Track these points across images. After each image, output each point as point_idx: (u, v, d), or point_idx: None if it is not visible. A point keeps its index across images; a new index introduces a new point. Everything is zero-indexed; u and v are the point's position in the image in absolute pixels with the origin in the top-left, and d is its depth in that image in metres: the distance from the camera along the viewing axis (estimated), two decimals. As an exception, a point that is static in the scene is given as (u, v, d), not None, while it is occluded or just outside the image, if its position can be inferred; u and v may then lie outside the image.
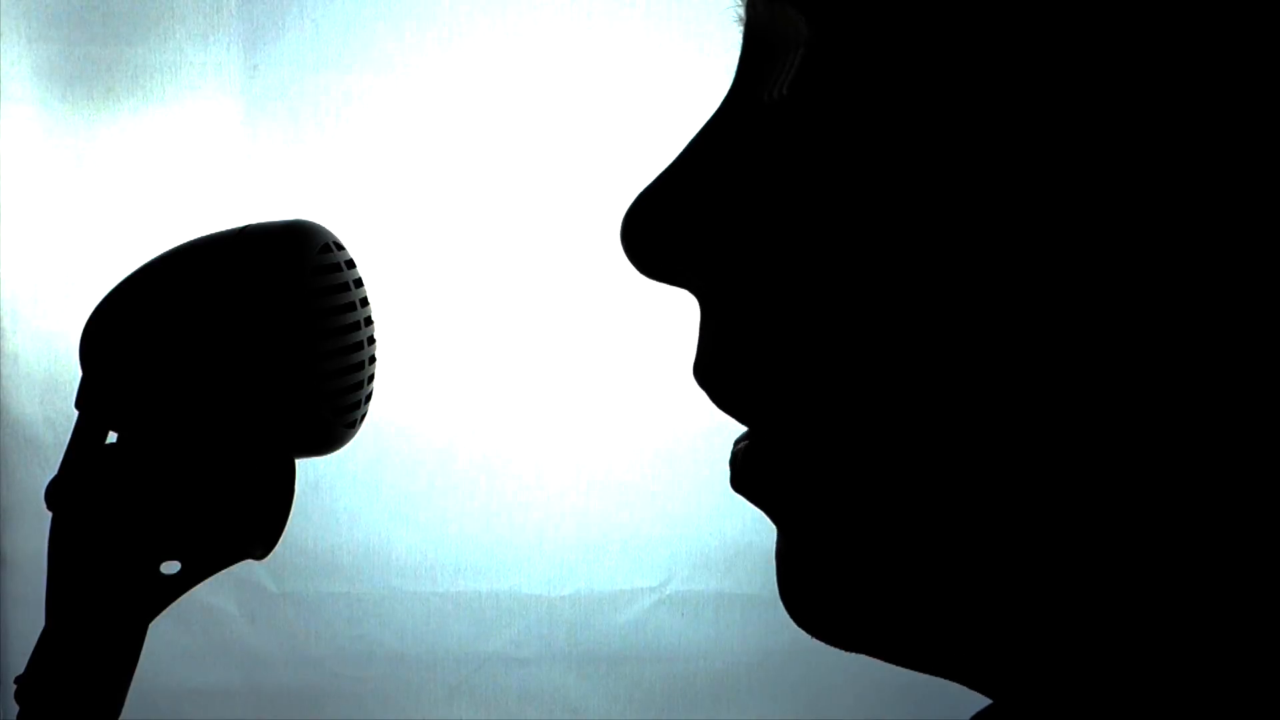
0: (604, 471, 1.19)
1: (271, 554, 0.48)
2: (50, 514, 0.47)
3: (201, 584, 0.48)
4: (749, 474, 0.24)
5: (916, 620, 0.22)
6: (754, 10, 0.25)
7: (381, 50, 1.13)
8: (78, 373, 0.47)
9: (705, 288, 0.24)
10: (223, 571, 0.48)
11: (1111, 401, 0.18)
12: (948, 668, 0.23)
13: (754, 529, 1.20)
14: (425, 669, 1.23)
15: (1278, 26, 0.17)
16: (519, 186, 1.14)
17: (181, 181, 1.14)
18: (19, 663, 0.47)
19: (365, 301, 0.48)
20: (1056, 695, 0.21)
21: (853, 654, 0.24)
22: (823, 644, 0.23)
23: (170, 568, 0.47)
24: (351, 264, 0.48)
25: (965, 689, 0.23)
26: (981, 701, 0.24)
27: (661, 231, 0.24)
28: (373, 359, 0.48)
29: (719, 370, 0.24)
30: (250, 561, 0.48)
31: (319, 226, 0.47)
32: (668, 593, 1.22)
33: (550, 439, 1.19)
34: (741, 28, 0.25)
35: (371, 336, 0.48)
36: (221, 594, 1.19)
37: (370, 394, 0.48)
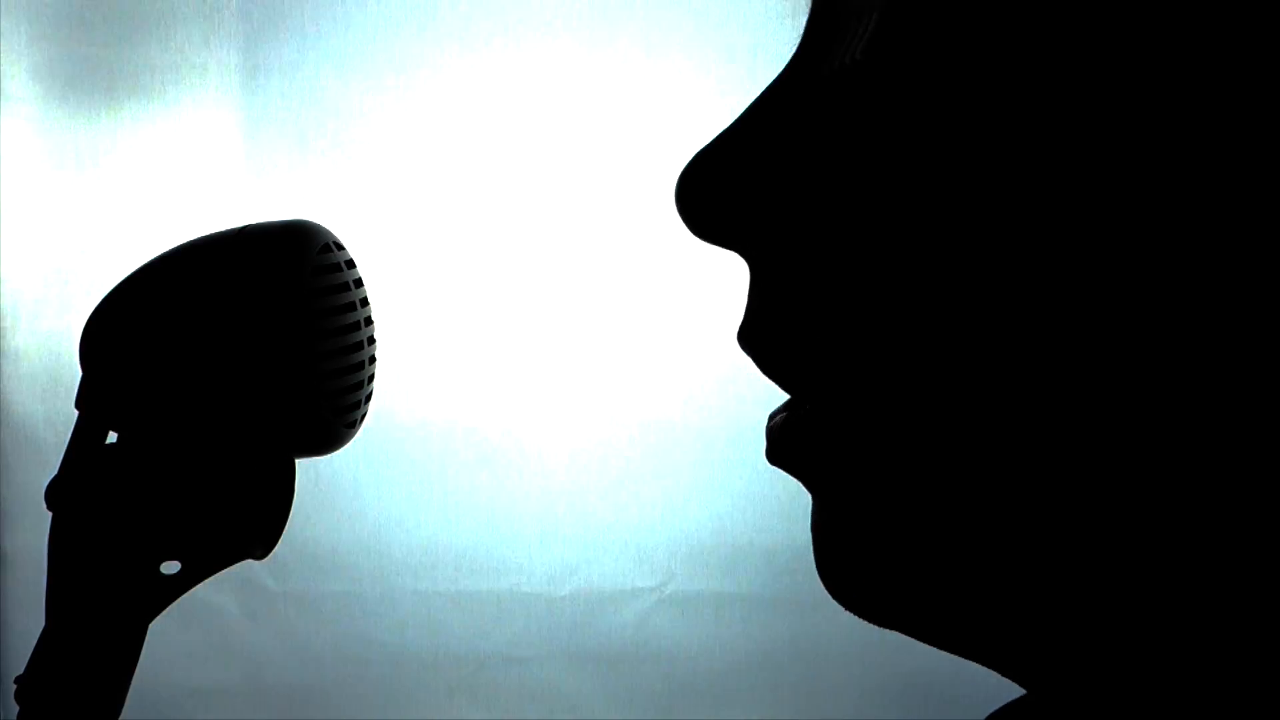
0: (604, 471, 1.19)
1: (271, 554, 0.48)
2: (50, 514, 0.47)
3: (201, 584, 0.48)
4: (786, 443, 0.24)
5: (947, 596, 0.22)
6: None
7: (381, 51, 1.13)
8: (78, 373, 0.47)
9: (757, 251, 0.24)
10: (223, 571, 0.48)
11: (1132, 387, 0.18)
12: (976, 650, 0.22)
13: (754, 529, 1.20)
14: (425, 669, 1.23)
15: None
16: (519, 186, 1.14)
17: (181, 181, 1.14)
18: (19, 663, 0.47)
19: (365, 301, 0.48)
20: (1085, 686, 0.21)
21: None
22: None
23: (170, 568, 0.47)
24: (351, 264, 0.48)
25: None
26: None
27: (718, 191, 0.23)
28: (373, 359, 0.48)
29: (765, 334, 0.23)
30: (250, 561, 0.48)
31: (319, 226, 0.47)
32: (668, 593, 1.22)
33: (550, 439, 1.19)
34: None
35: (371, 336, 0.48)
36: (222, 593, 1.19)
37: (370, 394, 0.48)
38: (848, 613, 0.24)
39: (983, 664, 0.23)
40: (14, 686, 0.47)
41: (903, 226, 0.20)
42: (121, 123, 1.14)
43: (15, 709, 0.46)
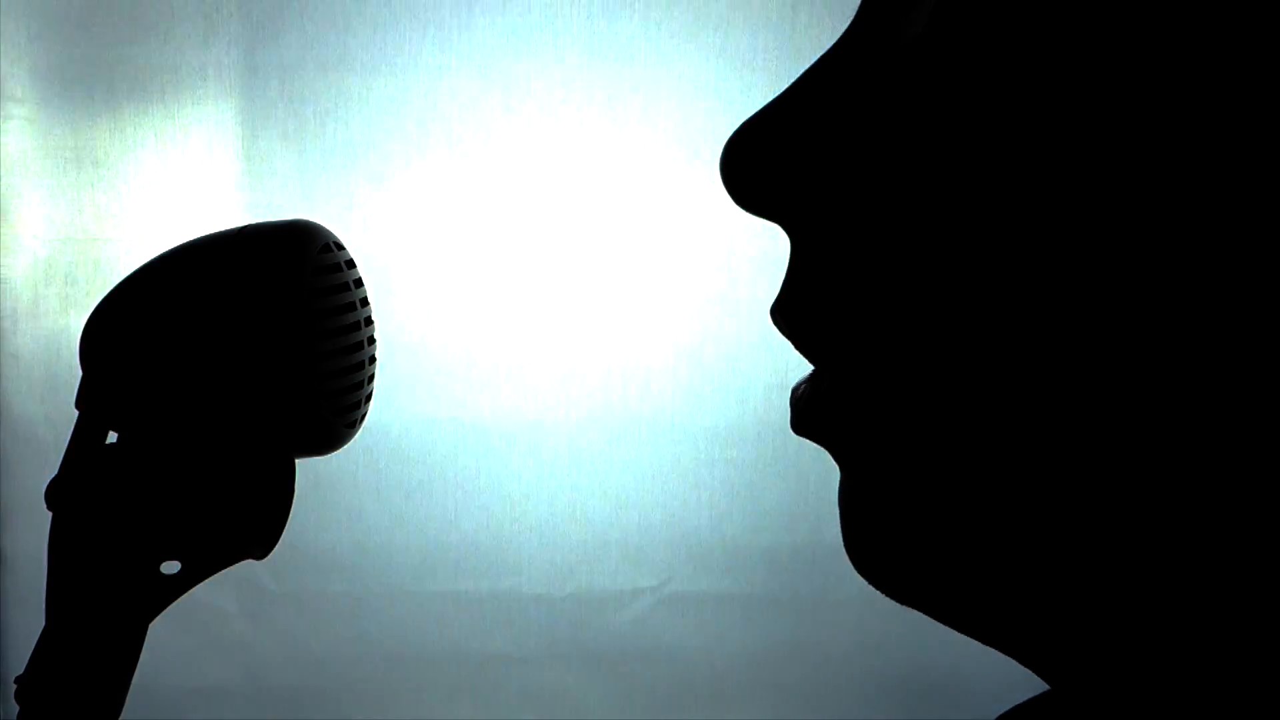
0: (604, 471, 1.19)
1: (271, 554, 0.48)
2: (50, 514, 0.47)
3: (201, 584, 0.48)
4: (813, 413, 0.23)
5: (968, 573, 0.21)
6: None
7: (381, 51, 1.13)
8: (78, 373, 0.47)
9: (802, 222, 0.23)
10: (223, 571, 0.48)
11: (1167, 367, 0.18)
12: (993, 634, 0.22)
13: (754, 529, 1.20)
14: (425, 669, 1.23)
15: None
16: (518, 186, 1.14)
17: (181, 181, 1.14)
18: (19, 663, 0.47)
19: (365, 301, 0.48)
20: (1102, 678, 0.21)
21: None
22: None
23: (170, 568, 0.47)
24: (351, 264, 0.48)
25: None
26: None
27: (767, 159, 0.23)
28: (373, 359, 0.48)
29: (802, 306, 0.23)
30: (250, 561, 0.48)
31: (319, 226, 0.47)
32: (668, 593, 1.22)
33: (550, 439, 1.19)
34: None
35: (371, 336, 0.48)
36: (221, 594, 1.19)
37: (370, 394, 0.48)
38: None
39: (999, 649, 0.22)
40: (14, 686, 0.47)
41: (954, 206, 0.20)
42: (121, 123, 1.14)
43: (15, 709, 0.46)
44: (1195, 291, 0.18)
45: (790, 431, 0.25)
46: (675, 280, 1.15)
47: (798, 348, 0.24)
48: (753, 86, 1.13)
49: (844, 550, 0.24)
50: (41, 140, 1.14)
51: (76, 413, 0.47)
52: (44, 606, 0.47)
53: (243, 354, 0.44)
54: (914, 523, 0.22)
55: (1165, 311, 0.18)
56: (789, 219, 0.24)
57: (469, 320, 1.16)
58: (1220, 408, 0.18)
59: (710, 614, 1.22)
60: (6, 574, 1.20)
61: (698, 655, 1.23)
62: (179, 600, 0.48)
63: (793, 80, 0.24)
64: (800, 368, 0.24)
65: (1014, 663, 0.23)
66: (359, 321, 0.47)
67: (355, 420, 0.48)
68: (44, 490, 0.47)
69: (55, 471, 0.47)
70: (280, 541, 0.48)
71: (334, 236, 0.47)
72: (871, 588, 0.24)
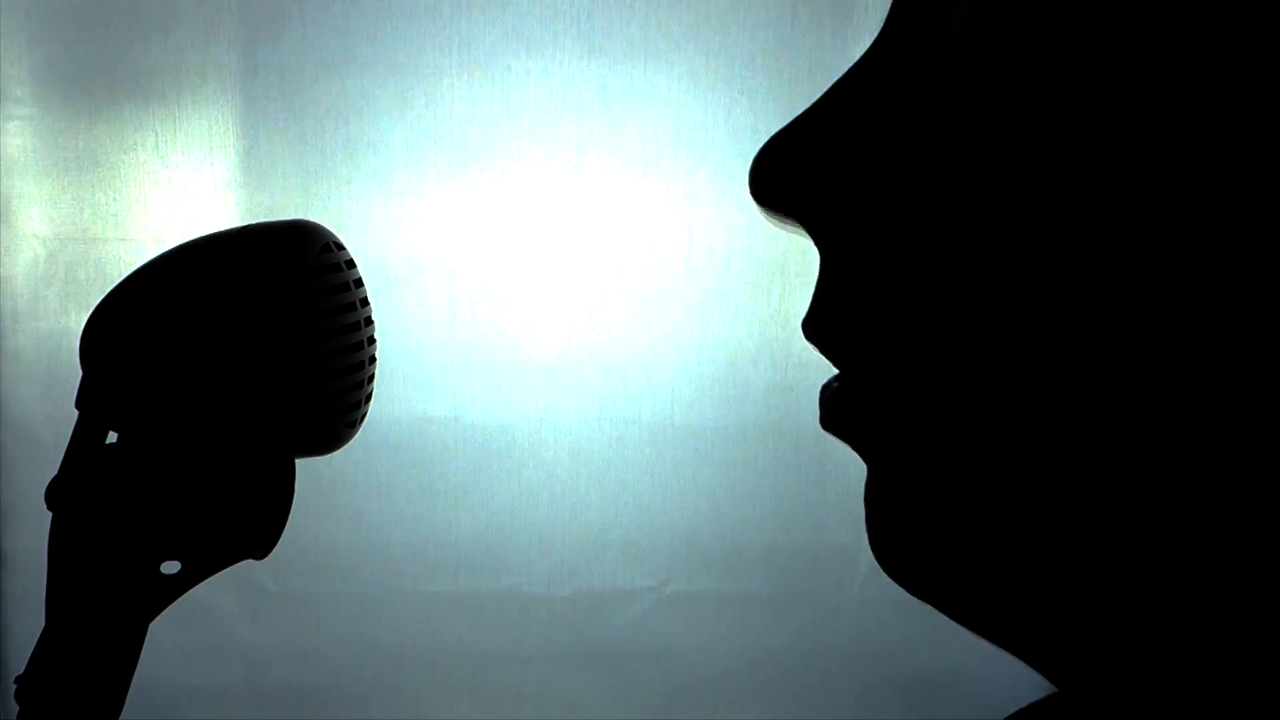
0: (604, 471, 1.19)
1: (271, 554, 0.48)
2: (50, 514, 0.47)
3: (201, 584, 0.48)
4: (844, 412, 0.23)
5: (988, 572, 0.21)
6: None
7: (381, 51, 1.13)
8: (78, 373, 0.47)
9: (836, 230, 0.23)
10: (222, 571, 0.48)
11: (1191, 372, 0.18)
12: (1009, 635, 0.22)
13: (754, 529, 1.20)
14: (425, 669, 1.23)
15: None
16: (517, 185, 1.14)
17: (181, 181, 1.14)
18: (19, 663, 0.47)
19: (365, 301, 0.48)
20: (1116, 686, 0.21)
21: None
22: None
23: (170, 568, 0.47)
24: (351, 264, 0.48)
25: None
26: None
27: (801, 170, 0.23)
28: (372, 359, 0.48)
29: (836, 316, 0.23)
30: (250, 561, 0.48)
31: (319, 226, 0.47)
32: (668, 593, 1.22)
33: (550, 439, 1.19)
34: None
35: (371, 336, 0.48)
36: (221, 593, 1.19)
37: (370, 394, 0.48)
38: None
39: (1012, 651, 0.22)
40: (14, 686, 0.47)
41: (986, 212, 0.20)
42: (121, 123, 1.14)
43: (15, 709, 0.46)
44: (1238, 314, 0.18)
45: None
46: (675, 280, 1.15)
47: (830, 358, 0.24)
48: (753, 86, 1.13)
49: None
50: (41, 140, 1.14)
51: (76, 413, 0.47)
52: (44, 606, 0.47)
53: (243, 354, 0.44)
54: (938, 520, 0.22)
55: (1196, 331, 0.18)
56: (825, 227, 0.24)
57: (469, 320, 1.16)
58: (1241, 421, 0.18)
59: (710, 614, 1.22)
60: (6, 574, 1.20)
61: (698, 655, 1.23)
62: (179, 600, 0.48)
63: (827, 87, 0.24)
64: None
65: (1015, 663, 0.23)
66: (359, 321, 0.47)
67: (355, 420, 0.48)
68: (44, 490, 0.47)
69: (55, 471, 0.47)
70: (280, 541, 0.48)
71: (334, 236, 0.47)
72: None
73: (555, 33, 1.13)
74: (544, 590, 1.21)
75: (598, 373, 1.17)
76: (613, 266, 1.15)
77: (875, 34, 0.24)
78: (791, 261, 1.14)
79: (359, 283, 0.48)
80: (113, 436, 0.47)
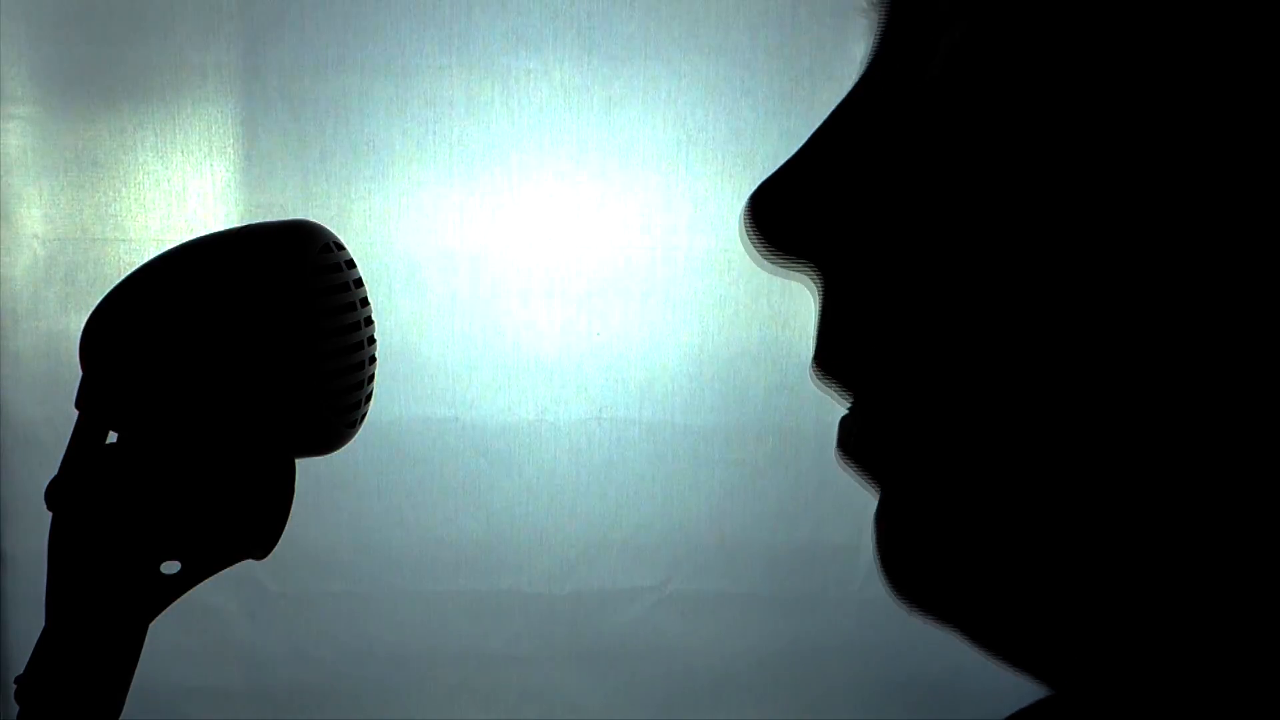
0: (604, 471, 1.19)
1: (271, 554, 0.48)
2: (50, 514, 0.47)
3: (201, 584, 0.48)
4: (864, 440, 0.24)
5: (998, 595, 0.22)
6: None
7: (381, 51, 1.13)
8: (78, 373, 0.47)
9: (840, 267, 0.24)
10: (222, 571, 0.48)
11: (1198, 404, 0.18)
12: (1021, 657, 0.22)
13: (754, 529, 1.20)
14: (425, 669, 1.23)
15: None
16: (517, 185, 1.14)
17: (181, 181, 1.14)
18: (19, 663, 0.47)
19: (365, 301, 0.48)
20: (1127, 707, 0.21)
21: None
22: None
23: (170, 568, 0.47)
24: (351, 264, 0.48)
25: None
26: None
27: (800, 207, 0.23)
28: (373, 359, 0.48)
29: (844, 350, 0.23)
30: (250, 561, 0.48)
31: (320, 227, 0.47)
32: (668, 593, 1.22)
33: (550, 438, 1.19)
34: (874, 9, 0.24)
35: (371, 336, 0.48)
36: (221, 594, 1.19)
37: (370, 394, 0.48)
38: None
39: (1031, 675, 0.22)
40: (14, 686, 0.47)
41: (990, 241, 0.20)
42: (121, 123, 1.14)
43: (15, 709, 0.46)
44: (1242, 353, 0.18)
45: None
46: (675, 280, 1.15)
47: (845, 391, 0.24)
48: (753, 86, 1.13)
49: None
50: (41, 140, 1.14)
51: (76, 413, 0.47)
52: (44, 606, 0.47)
53: (243, 354, 0.44)
54: (954, 543, 0.22)
55: (1201, 367, 0.18)
56: (834, 263, 0.24)
57: (469, 320, 1.16)
58: (1261, 438, 0.18)
59: (710, 614, 1.22)
60: (6, 574, 1.20)
61: (698, 655, 1.23)
62: (179, 600, 0.48)
63: (816, 127, 0.24)
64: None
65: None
66: (359, 321, 0.47)
67: (355, 420, 0.48)
68: (44, 490, 0.47)
69: (55, 471, 0.47)
70: (280, 541, 0.48)
71: (334, 236, 0.47)
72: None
73: (555, 32, 1.13)
74: (544, 589, 1.21)
75: (598, 373, 1.17)
76: (613, 266, 1.15)
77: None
78: (791, 261, 1.14)
79: (359, 283, 0.48)
80: (113, 436, 0.47)
